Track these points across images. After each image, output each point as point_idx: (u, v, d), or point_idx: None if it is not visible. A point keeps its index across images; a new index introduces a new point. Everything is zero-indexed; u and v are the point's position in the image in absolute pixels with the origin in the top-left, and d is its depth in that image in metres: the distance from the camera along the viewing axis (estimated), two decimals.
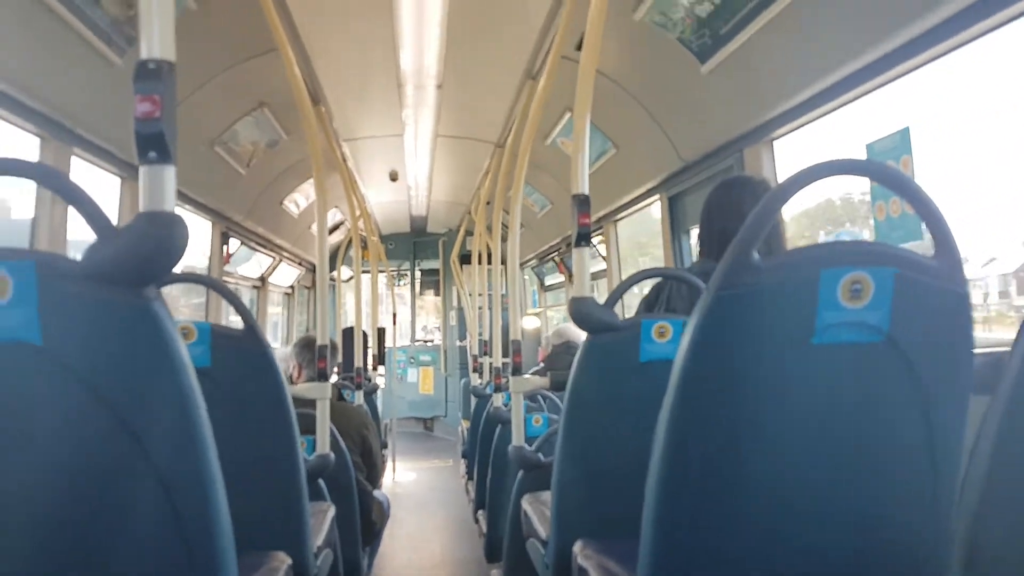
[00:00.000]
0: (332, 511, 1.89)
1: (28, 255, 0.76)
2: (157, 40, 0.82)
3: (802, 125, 2.17)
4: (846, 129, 2.13)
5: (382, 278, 6.98)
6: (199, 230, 3.66)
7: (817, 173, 0.84)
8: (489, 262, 3.79)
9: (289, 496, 1.46)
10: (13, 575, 0.79)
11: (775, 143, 2.37)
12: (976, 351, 0.85)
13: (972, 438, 0.87)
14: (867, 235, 2.18)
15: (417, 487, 5.43)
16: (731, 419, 0.84)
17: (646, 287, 1.90)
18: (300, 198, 4.55)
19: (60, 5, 1.74)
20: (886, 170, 0.90)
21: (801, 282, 0.80)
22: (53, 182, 0.83)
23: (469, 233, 5.57)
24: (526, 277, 7.24)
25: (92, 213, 0.78)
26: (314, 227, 2.14)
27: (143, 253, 0.76)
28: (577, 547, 1.34)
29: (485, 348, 4.48)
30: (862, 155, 1.82)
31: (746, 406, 0.83)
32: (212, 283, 1.60)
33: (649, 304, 1.83)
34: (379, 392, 5.86)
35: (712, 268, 1.64)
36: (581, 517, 1.46)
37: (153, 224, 0.78)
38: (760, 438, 0.84)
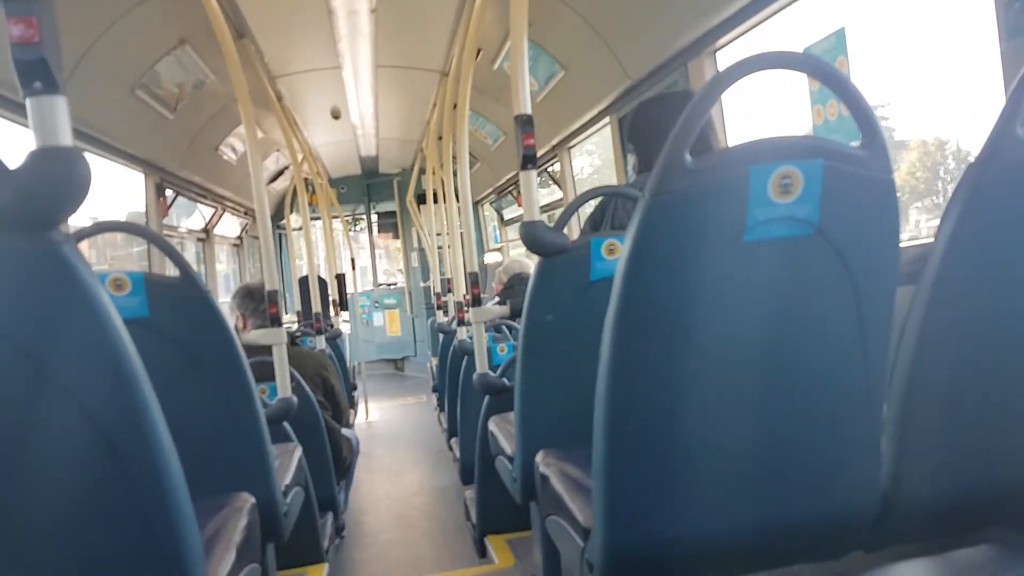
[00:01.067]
0: (299, 451, 1.90)
1: None
2: None
3: (742, 33, 2.14)
4: (787, 38, 2.11)
5: (337, 224, 6.85)
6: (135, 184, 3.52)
7: (750, 65, 0.82)
8: (445, 200, 3.74)
9: (249, 439, 1.46)
10: None
11: (718, 55, 2.34)
12: (901, 245, 0.87)
13: (898, 327, 0.91)
14: None
15: (391, 425, 5.51)
16: (671, 322, 0.85)
17: (591, 208, 1.90)
18: (237, 143, 4.35)
19: None
20: (814, 62, 0.89)
21: (732, 180, 0.80)
22: None
23: (423, 171, 5.47)
24: (486, 213, 7.19)
25: None
26: (251, 172, 2.05)
27: (41, 192, 0.71)
28: (539, 457, 1.39)
29: (449, 286, 4.48)
30: None
31: (685, 309, 0.84)
32: (138, 230, 1.54)
33: (595, 223, 1.84)
34: (346, 337, 5.86)
35: None
36: (543, 431, 1.50)
37: (49, 160, 0.72)
38: (699, 338, 0.86)
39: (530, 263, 4.15)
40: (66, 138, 0.74)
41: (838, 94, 0.86)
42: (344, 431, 2.89)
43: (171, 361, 1.37)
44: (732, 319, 0.86)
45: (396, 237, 8.06)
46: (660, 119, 1.76)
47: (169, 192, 3.72)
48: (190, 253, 4.86)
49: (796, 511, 0.94)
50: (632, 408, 0.87)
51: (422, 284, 7.60)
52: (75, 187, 0.73)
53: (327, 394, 2.68)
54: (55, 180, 0.72)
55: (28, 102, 0.73)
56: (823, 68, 0.88)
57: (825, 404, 0.91)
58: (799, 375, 0.90)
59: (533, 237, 1.47)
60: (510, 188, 5.81)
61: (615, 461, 0.89)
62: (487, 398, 2.17)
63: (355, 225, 8.09)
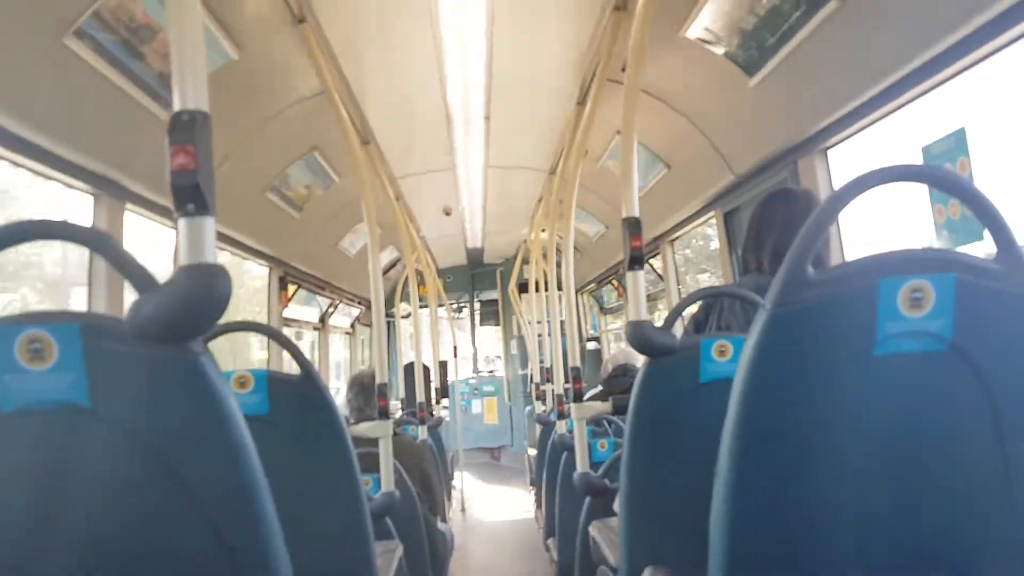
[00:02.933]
0: (400, 550, 1.89)
1: (72, 317, 0.77)
2: (190, 91, 0.83)
3: (855, 133, 2.11)
4: (901, 135, 2.07)
5: (442, 312, 7.07)
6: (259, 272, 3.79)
7: (869, 181, 0.82)
8: (547, 289, 3.80)
9: (355, 537, 1.47)
10: None
11: (829, 152, 2.31)
12: None
13: None
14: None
15: (488, 518, 5.41)
16: (795, 437, 0.82)
17: (695, 307, 1.88)
18: (356, 239, 4.64)
19: (103, 62, 1.77)
20: (938, 173, 0.87)
21: (859, 293, 0.78)
22: (92, 242, 0.84)
23: (526, 262, 5.61)
24: (585, 302, 7.22)
25: (132, 270, 0.78)
26: (370, 266, 2.17)
27: (185, 307, 0.76)
28: (647, 574, 1.32)
29: (547, 375, 4.47)
30: (918, 160, 1.76)
31: (810, 423, 0.81)
32: (264, 329, 1.65)
33: (698, 324, 1.81)
34: (444, 425, 5.91)
35: (766, 282, 1.61)
36: (650, 543, 1.43)
37: (194, 277, 0.78)
38: (826, 455, 0.82)
39: (635, 354, 4.09)
40: (212, 255, 0.80)
41: (970, 206, 0.83)
42: (440, 525, 2.87)
43: (286, 457, 1.40)
44: (861, 435, 0.82)
45: (497, 325, 8.19)
46: (783, 217, 1.73)
47: (292, 286, 3.97)
48: (305, 341, 5.14)
49: None
50: (754, 530, 0.83)
51: (520, 372, 7.62)
52: (217, 302, 0.78)
53: (424, 486, 2.68)
54: (200, 296, 0.77)
55: (180, 222, 0.81)
56: (948, 178, 0.86)
57: (966, 526, 0.83)
58: (935, 494, 0.83)
59: (640, 337, 1.47)
60: (610, 278, 5.83)
61: None
62: (588, 500, 2.11)
63: (459, 312, 8.31)
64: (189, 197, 0.80)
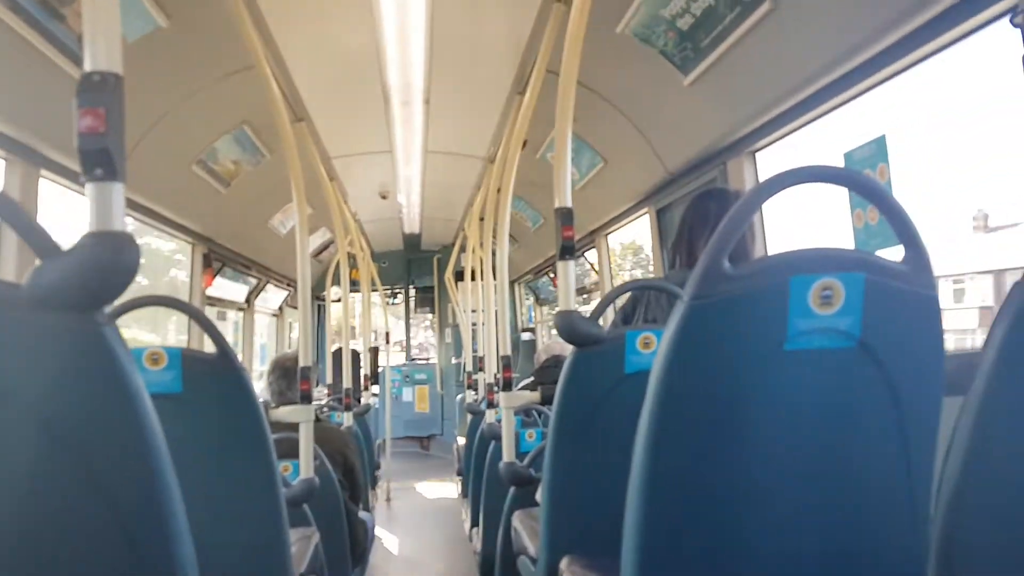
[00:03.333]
0: (316, 537, 1.85)
1: None
2: (103, 51, 0.79)
3: (783, 136, 2.18)
4: (827, 141, 2.14)
5: (376, 297, 6.96)
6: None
7: (785, 180, 0.84)
8: (483, 278, 3.79)
9: (269, 523, 1.43)
10: None
11: (757, 155, 2.38)
12: (947, 353, 0.85)
13: (944, 439, 0.87)
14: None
15: (412, 508, 5.38)
16: (707, 427, 0.84)
17: (623, 299, 1.90)
18: (287, 218, 4.51)
19: (19, 21, 1.68)
20: (850, 175, 0.91)
21: (772, 289, 0.80)
22: None
23: (463, 250, 5.58)
24: (522, 293, 7.25)
25: (32, 234, 0.73)
26: (298, 246, 2.11)
27: (91, 276, 0.73)
28: (564, 564, 1.33)
29: (480, 365, 4.47)
30: (841, 165, 1.83)
31: (722, 413, 0.83)
32: (178, 304, 1.58)
33: (626, 316, 1.84)
34: (373, 412, 5.82)
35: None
36: (570, 532, 1.45)
37: (100, 244, 0.74)
38: (736, 445, 0.84)
39: (568, 345, 4.12)
40: (120, 223, 0.77)
41: (881, 209, 0.86)
42: (361, 514, 2.82)
43: (199, 437, 1.36)
44: (771, 426, 0.84)
45: (432, 312, 8.13)
46: (695, 217, 1.79)
47: (214, 263, 3.84)
48: (229, 323, 4.96)
49: None
50: (665, 519, 0.84)
51: (454, 361, 7.59)
52: (124, 271, 0.75)
53: (347, 474, 2.63)
54: (106, 264, 0.74)
55: (88, 187, 0.77)
56: (864, 183, 0.89)
57: (868, 518, 0.87)
58: (840, 486, 0.87)
59: (569, 327, 1.47)
60: (547, 269, 5.87)
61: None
62: (512, 489, 2.11)
63: (393, 299, 8.20)
64: (97, 161, 0.76)
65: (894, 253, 0.87)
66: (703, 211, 1.78)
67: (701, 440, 0.83)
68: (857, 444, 0.86)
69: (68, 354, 0.74)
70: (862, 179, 0.89)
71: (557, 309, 1.55)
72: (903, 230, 0.84)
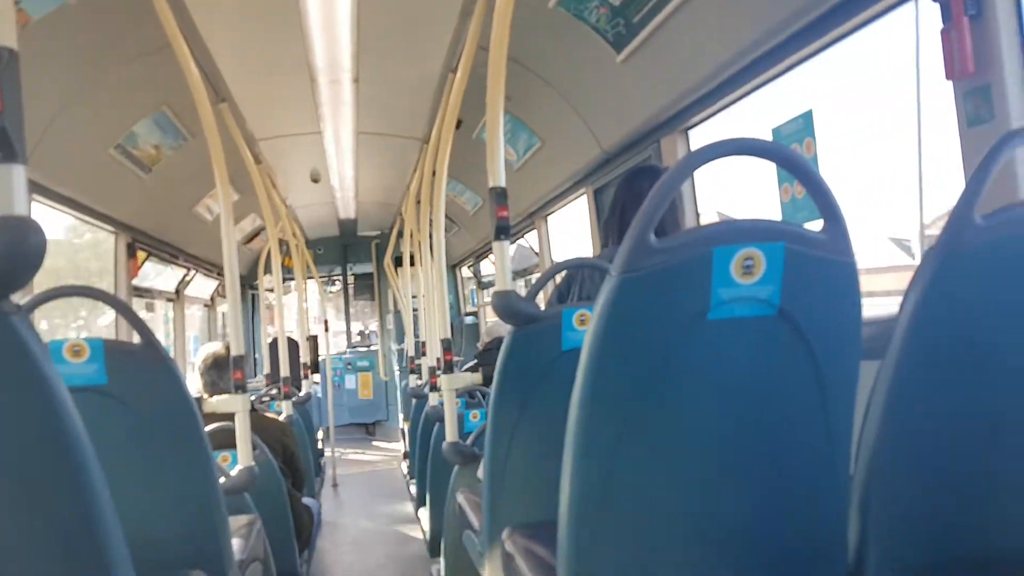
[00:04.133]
0: (258, 523, 1.84)
1: None
2: None
3: (715, 113, 2.21)
4: (758, 120, 2.19)
5: (312, 285, 6.81)
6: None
7: (709, 154, 0.86)
8: (423, 263, 3.75)
9: (205, 512, 1.40)
10: None
11: (690, 133, 2.41)
12: (864, 320, 0.88)
13: (862, 402, 0.91)
14: None
15: (359, 493, 5.35)
16: (635, 396, 0.85)
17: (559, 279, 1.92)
18: (214, 204, 4.33)
19: None
20: (770, 146, 0.93)
21: (696, 261, 0.82)
22: None
23: (401, 234, 5.51)
24: (465, 275, 7.22)
25: None
26: (223, 233, 2.03)
27: None
28: (505, 534, 1.36)
29: (423, 349, 4.44)
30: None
31: (649, 383, 0.85)
32: (95, 293, 1.51)
33: (561, 295, 1.85)
34: (315, 400, 5.71)
35: None
36: (512, 506, 1.48)
37: (3, 230, 0.70)
38: (662, 413, 0.86)
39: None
40: (22, 207, 0.73)
41: (800, 180, 0.88)
42: (305, 500, 2.83)
43: (127, 429, 1.33)
44: (697, 396, 0.87)
45: (372, 299, 8.02)
46: (627, 195, 1.81)
47: (140, 253, 3.68)
48: (159, 315, 4.77)
49: None
50: (597, 486, 0.86)
51: (396, 347, 7.52)
52: (29, 258, 0.71)
53: (287, 461, 2.63)
54: (9, 250, 0.70)
55: None
56: (785, 154, 0.91)
57: (790, 480, 0.91)
58: (764, 451, 0.90)
59: (505, 306, 1.48)
60: (487, 252, 5.85)
61: (579, 541, 0.87)
62: (456, 468, 2.12)
63: (331, 286, 8.04)
64: None
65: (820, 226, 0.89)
66: (636, 189, 1.80)
67: (629, 409, 0.85)
68: (779, 408, 0.88)
69: None
70: (784, 152, 0.91)
71: (494, 289, 1.55)
72: (823, 201, 0.86)
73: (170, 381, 1.37)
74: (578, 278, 1.82)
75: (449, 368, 2.40)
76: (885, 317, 1.29)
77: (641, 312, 0.83)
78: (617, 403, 0.85)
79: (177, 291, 4.75)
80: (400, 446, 6.24)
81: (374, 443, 7.58)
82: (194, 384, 2.32)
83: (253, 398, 2.75)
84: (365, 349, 8.09)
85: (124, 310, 1.47)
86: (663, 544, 0.89)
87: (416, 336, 5.10)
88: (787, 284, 0.82)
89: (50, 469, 0.75)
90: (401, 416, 6.64)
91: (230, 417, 2.00)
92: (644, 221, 0.81)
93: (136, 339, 1.36)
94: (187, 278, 4.82)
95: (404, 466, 5.10)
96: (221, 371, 2.42)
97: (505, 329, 4.11)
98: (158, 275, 4.50)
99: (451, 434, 2.13)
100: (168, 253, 4.19)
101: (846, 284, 0.85)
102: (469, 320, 7.03)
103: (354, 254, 7.75)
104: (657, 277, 0.81)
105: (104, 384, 1.32)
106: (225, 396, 2.01)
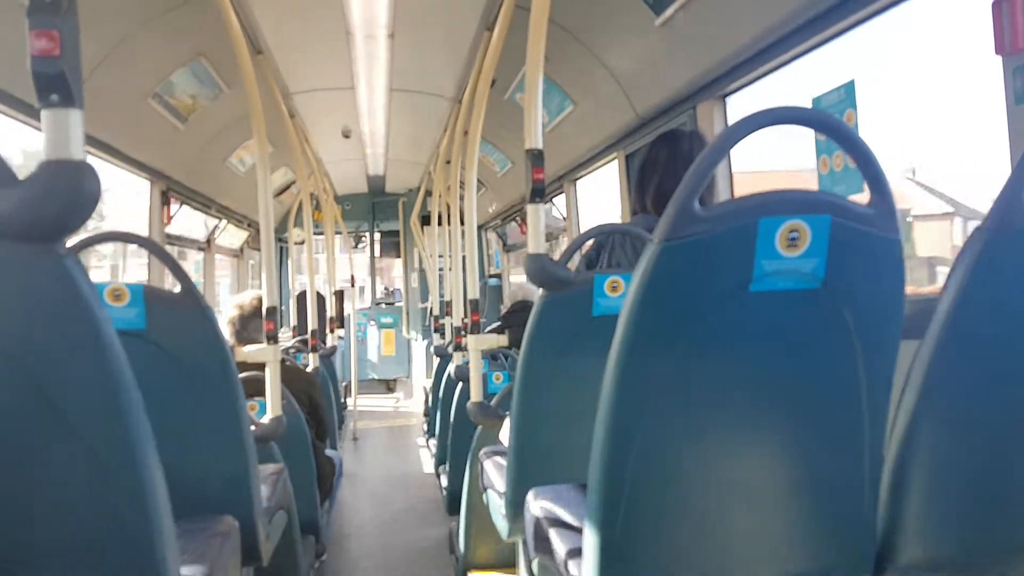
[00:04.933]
0: (285, 473, 1.89)
1: None
2: None
3: (753, 80, 2.17)
4: (798, 88, 2.14)
5: (339, 240, 6.86)
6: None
7: (756, 122, 0.84)
8: (450, 223, 3.76)
9: (236, 459, 1.44)
10: None
11: (728, 100, 2.37)
12: (907, 297, 0.88)
13: (899, 381, 0.91)
14: None
15: (380, 447, 5.46)
16: (672, 364, 0.85)
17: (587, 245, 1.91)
18: (247, 156, 4.38)
19: None
20: (820, 117, 0.91)
21: (741, 231, 0.81)
22: None
23: (429, 193, 5.51)
24: (490, 238, 7.21)
25: None
26: (260, 185, 2.06)
27: (49, 205, 0.70)
28: (530, 496, 1.38)
29: (447, 309, 4.48)
30: None
31: (686, 352, 0.85)
32: (141, 241, 1.54)
33: (590, 261, 1.85)
34: (339, 354, 5.81)
35: (655, 221, 1.65)
36: (537, 468, 1.50)
37: (59, 174, 0.72)
38: (701, 384, 0.86)
39: (534, 290, 4.16)
40: (78, 152, 0.74)
41: (849, 152, 0.87)
42: (328, 452, 2.88)
43: (164, 375, 1.36)
44: (734, 367, 0.86)
45: (398, 256, 8.07)
46: (666, 159, 1.78)
47: (173, 201, 3.74)
48: (190, 263, 4.86)
49: (790, 564, 0.93)
50: (630, 452, 0.86)
51: (420, 305, 7.59)
52: (83, 201, 0.73)
53: (312, 413, 2.67)
54: (64, 194, 0.72)
55: (43, 114, 0.73)
56: (834, 125, 0.89)
57: (824, 457, 0.91)
58: (797, 425, 0.90)
59: (538, 269, 1.48)
60: (514, 215, 5.84)
61: (609, 506, 0.88)
62: (479, 428, 2.15)
63: (357, 242, 8.10)
64: (53, 86, 0.73)
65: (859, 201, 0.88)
66: (654, 156, 1.79)
67: (665, 377, 0.85)
68: (815, 384, 0.88)
69: (28, 285, 0.72)
70: (832, 121, 0.90)
71: (527, 252, 1.55)
72: (871, 173, 0.85)
73: (207, 329, 1.40)
74: (608, 245, 1.81)
75: (476, 329, 2.43)
76: (925, 296, 1.28)
77: (682, 280, 0.82)
78: (653, 370, 0.85)
79: (208, 240, 4.82)
80: (419, 403, 6.35)
81: (394, 399, 7.72)
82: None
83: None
84: (389, 306, 8.18)
85: (165, 257, 1.51)
86: (693, 512, 0.89)
87: (441, 296, 5.14)
88: (832, 258, 0.81)
89: (98, 405, 0.77)
90: (423, 373, 6.73)
91: (258, 367, 2.04)
92: (689, 188, 0.80)
93: (163, 285, 1.38)
94: (218, 228, 4.89)
95: (424, 423, 5.19)
96: (247, 321, 2.46)
97: (529, 292, 4.13)
98: (189, 223, 4.57)
99: (476, 394, 2.15)
100: (200, 203, 4.25)
101: (891, 261, 0.84)
102: (493, 282, 7.05)
103: (381, 211, 7.77)
104: (700, 246, 0.81)
105: (143, 329, 1.35)
106: (258, 347, 2.05)
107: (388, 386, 8.01)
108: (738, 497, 0.89)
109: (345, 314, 6.83)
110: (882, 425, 0.90)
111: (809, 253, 0.81)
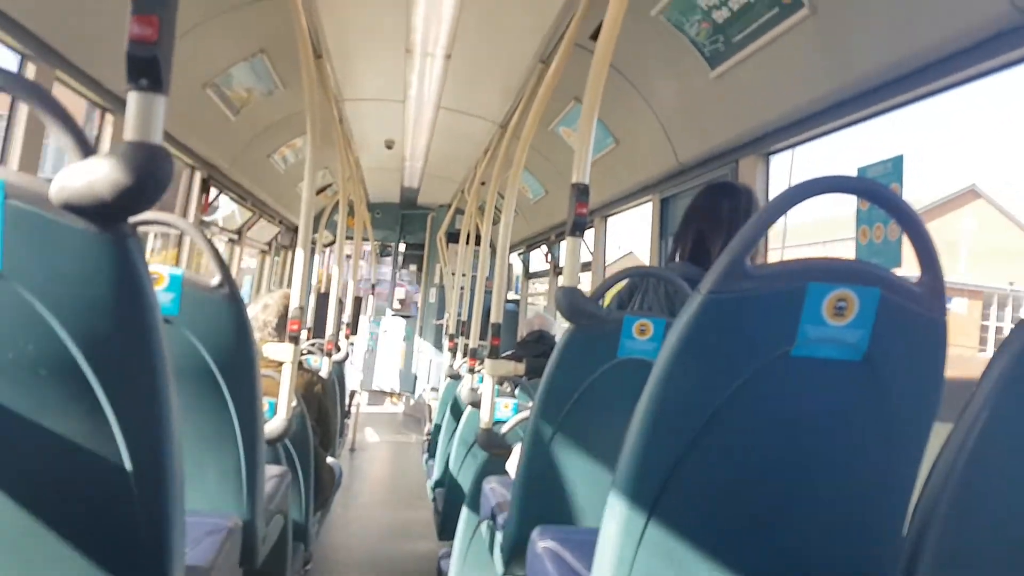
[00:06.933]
0: (288, 477, 1.87)
1: None
2: None
3: (800, 142, 2.18)
4: (840, 153, 2.15)
5: (365, 247, 6.91)
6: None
7: (815, 188, 0.85)
8: (477, 243, 3.77)
9: (246, 457, 1.43)
10: None
11: (771, 158, 2.38)
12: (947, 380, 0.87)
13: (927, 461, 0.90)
14: None
15: (377, 460, 5.43)
16: (703, 420, 0.85)
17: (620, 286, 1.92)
18: (289, 154, 4.46)
19: None
20: (880, 190, 0.91)
21: (789, 293, 0.81)
22: (35, 95, 0.75)
23: (459, 211, 5.55)
24: (511, 263, 7.24)
25: (76, 135, 0.71)
26: (301, 185, 2.08)
27: (125, 184, 0.70)
28: (535, 533, 1.35)
29: (463, 328, 4.48)
30: None
31: (719, 409, 0.84)
32: (189, 228, 1.56)
33: (621, 302, 1.85)
34: (348, 361, 5.83)
35: (694, 271, 1.65)
36: (543, 503, 1.47)
37: (138, 155, 0.72)
38: (728, 441, 0.86)
39: (553, 320, 4.15)
40: (158, 136, 0.75)
41: (906, 229, 0.87)
42: (329, 460, 2.85)
43: (187, 364, 1.35)
44: (766, 430, 0.86)
45: (419, 269, 8.11)
46: (706, 212, 1.78)
47: (214, 190, 3.80)
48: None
49: None
50: (648, 504, 0.85)
51: (435, 322, 7.60)
52: (157, 185, 0.73)
53: (319, 419, 2.64)
54: (140, 176, 0.72)
55: (130, 96, 0.75)
56: (894, 201, 0.89)
57: (842, 529, 0.90)
58: (821, 496, 0.89)
59: (570, 302, 1.47)
60: (540, 243, 5.86)
61: (621, 557, 0.87)
62: (487, 456, 2.13)
63: (382, 252, 8.16)
64: (144, 70, 0.74)
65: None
66: (716, 205, 1.78)
67: (695, 431, 0.85)
68: (844, 456, 0.87)
69: (90, 259, 0.73)
70: (892, 196, 0.90)
71: (560, 284, 1.55)
72: (924, 252, 0.85)
73: (238, 323, 1.38)
74: (641, 287, 1.81)
75: (495, 353, 2.42)
76: (960, 380, 1.27)
77: (723, 335, 0.82)
78: (683, 422, 0.84)
79: (239, 232, 4.88)
80: (421, 417, 6.31)
81: (397, 411, 7.69)
82: None
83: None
84: (404, 318, 8.20)
85: (211, 249, 1.51)
86: (706, 573, 0.88)
87: (458, 315, 5.15)
88: (876, 332, 0.81)
89: (135, 388, 0.77)
90: (428, 389, 6.71)
91: (272, 366, 2.02)
92: (744, 244, 0.81)
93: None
94: (251, 222, 4.95)
95: (424, 442, 5.16)
96: (272, 320, 2.47)
97: (547, 322, 4.09)
98: (222, 211, 4.63)
99: (487, 420, 2.14)
100: (238, 194, 4.31)
101: (935, 341, 0.84)
102: (509, 308, 7.05)
103: (409, 223, 7.83)
104: (746, 302, 0.81)
105: (175, 315, 1.34)
106: (280, 345, 2.05)
107: (394, 398, 7.99)
108: (760, 562, 0.88)
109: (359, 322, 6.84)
110: (906, 503, 0.89)
111: (855, 324, 0.81)
